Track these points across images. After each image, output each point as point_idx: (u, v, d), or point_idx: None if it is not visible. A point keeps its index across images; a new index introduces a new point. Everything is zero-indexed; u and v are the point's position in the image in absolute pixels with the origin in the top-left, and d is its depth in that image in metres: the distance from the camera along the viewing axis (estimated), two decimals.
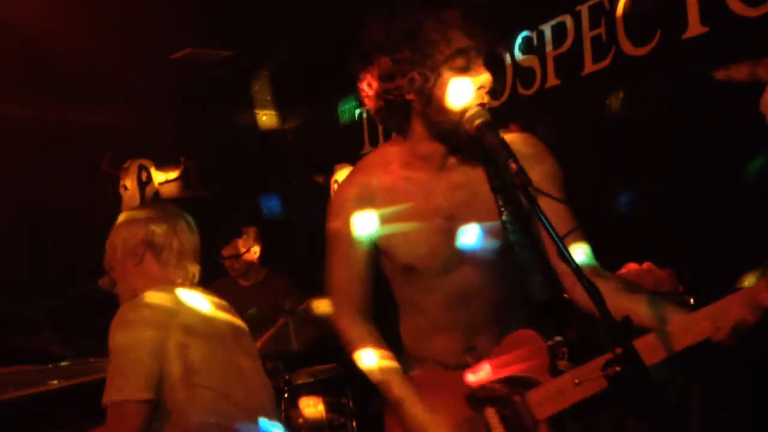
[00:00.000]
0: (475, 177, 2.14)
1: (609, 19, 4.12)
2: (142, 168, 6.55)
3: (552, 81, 4.50)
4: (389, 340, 2.26)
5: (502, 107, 4.61)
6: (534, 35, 4.57)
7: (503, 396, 2.07)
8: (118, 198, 6.43)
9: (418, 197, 2.15)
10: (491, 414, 2.07)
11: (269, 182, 6.87)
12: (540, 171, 2.08)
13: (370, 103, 2.13)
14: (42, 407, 3.43)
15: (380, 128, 5.87)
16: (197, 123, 6.53)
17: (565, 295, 2.10)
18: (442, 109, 2.02)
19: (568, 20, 4.36)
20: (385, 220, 2.17)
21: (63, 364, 3.84)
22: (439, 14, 2.01)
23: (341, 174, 6.35)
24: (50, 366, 3.78)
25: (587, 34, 4.26)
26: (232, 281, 5.27)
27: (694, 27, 3.72)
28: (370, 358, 2.17)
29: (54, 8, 4.33)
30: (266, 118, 7.02)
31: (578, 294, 1.89)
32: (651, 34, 3.91)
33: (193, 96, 6.16)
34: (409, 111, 2.09)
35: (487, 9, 2.09)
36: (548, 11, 4.46)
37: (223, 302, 2.77)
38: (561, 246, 1.72)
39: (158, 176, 6.61)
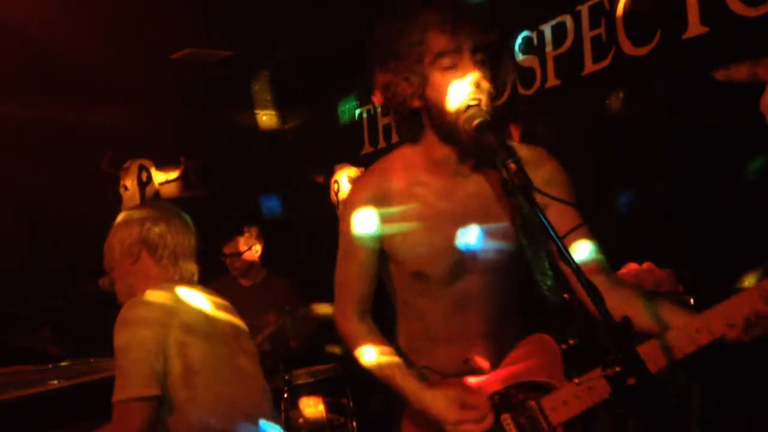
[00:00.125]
0: (489, 182, 2.14)
1: (609, 19, 4.12)
2: (142, 168, 6.55)
3: (552, 81, 4.50)
4: (389, 340, 2.26)
5: (502, 107, 4.60)
6: (534, 35, 4.57)
7: (518, 402, 2.06)
8: (118, 198, 6.42)
9: (431, 203, 2.15)
10: (507, 421, 2.06)
11: (269, 182, 6.87)
12: (541, 174, 2.08)
13: (390, 118, 2.15)
14: (42, 407, 3.44)
15: (380, 128, 5.89)
16: (197, 123, 6.53)
17: (566, 296, 2.10)
18: (440, 111, 2.03)
19: (568, 20, 4.36)
20: (397, 223, 2.17)
21: (63, 364, 3.85)
22: (416, 18, 2.01)
23: (341, 174, 6.35)
24: (50, 366, 3.78)
25: (587, 34, 4.26)
26: (233, 281, 5.25)
27: (694, 27, 3.72)
28: (371, 354, 2.18)
29: (54, 8, 4.33)
30: (266, 118, 7.02)
31: (584, 295, 1.89)
32: (651, 34, 3.91)
33: (193, 96, 6.16)
34: (420, 118, 2.12)
35: (477, 5, 2.08)
36: (548, 11, 4.46)
37: (224, 302, 2.77)
38: (561, 246, 1.72)
39: (158, 176, 6.61)
